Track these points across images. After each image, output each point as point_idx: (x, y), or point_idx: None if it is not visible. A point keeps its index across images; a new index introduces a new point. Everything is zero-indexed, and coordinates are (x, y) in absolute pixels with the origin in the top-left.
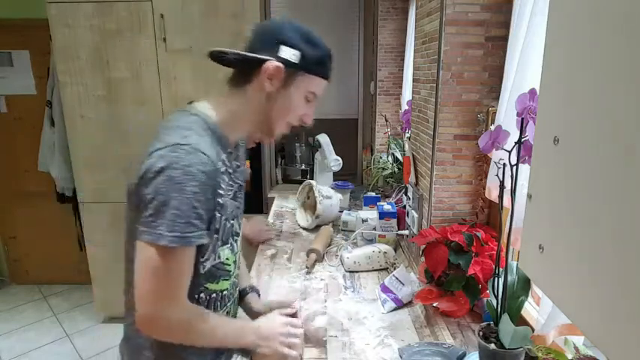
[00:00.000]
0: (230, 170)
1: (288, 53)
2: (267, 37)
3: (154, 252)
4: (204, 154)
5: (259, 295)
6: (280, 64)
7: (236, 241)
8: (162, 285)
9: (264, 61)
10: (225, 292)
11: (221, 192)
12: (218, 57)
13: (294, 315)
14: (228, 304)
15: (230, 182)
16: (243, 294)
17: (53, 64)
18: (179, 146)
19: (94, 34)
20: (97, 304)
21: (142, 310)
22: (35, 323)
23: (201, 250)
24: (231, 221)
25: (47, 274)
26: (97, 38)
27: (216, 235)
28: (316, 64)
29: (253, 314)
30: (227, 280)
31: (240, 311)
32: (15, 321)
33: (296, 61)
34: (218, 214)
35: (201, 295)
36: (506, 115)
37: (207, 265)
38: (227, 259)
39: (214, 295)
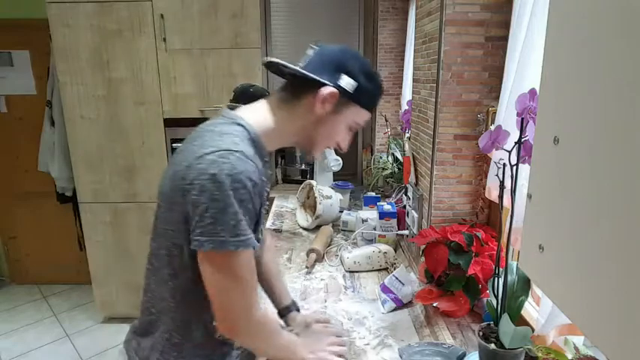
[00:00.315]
0: (265, 179)
1: (347, 83)
2: (331, 63)
3: (221, 259)
4: (253, 163)
5: (298, 311)
6: (336, 91)
7: (262, 241)
8: (239, 289)
9: (323, 84)
10: None
11: (261, 200)
12: (273, 66)
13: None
14: None
15: (264, 192)
16: (285, 312)
17: (53, 64)
18: (231, 152)
19: (94, 34)
20: (97, 304)
21: (226, 318)
22: (35, 323)
23: None
24: (260, 228)
25: (47, 274)
26: (97, 38)
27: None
28: (368, 97)
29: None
30: None
31: None
32: (15, 321)
33: (351, 92)
34: (257, 222)
35: None
36: (506, 115)
37: None
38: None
39: None
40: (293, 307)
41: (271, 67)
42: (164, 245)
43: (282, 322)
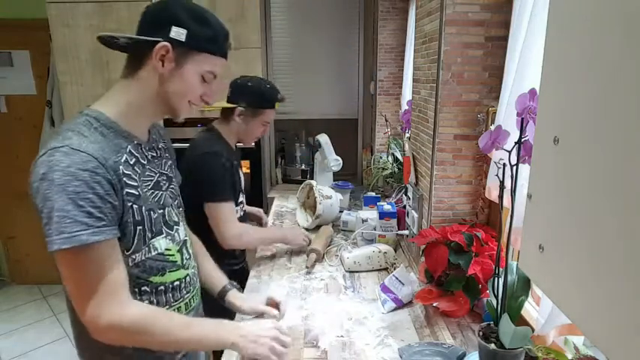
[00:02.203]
0: (143, 161)
1: (177, 33)
2: (156, 19)
3: (60, 260)
4: (85, 153)
5: (240, 290)
6: (167, 44)
7: (176, 230)
8: (89, 290)
9: (155, 43)
10: (177, 283)
11: (131, 182)
12: (109, 42)
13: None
14: (185, 296)
15: (147, 172)
16: (223, 294)
17: (53, 64)
18: (56, 149)
19: (94, 34)
20: None
21: (86, 319)
22: (35, 323)
23: (121, 243)
24: (159, 211)
25: (47, 274)
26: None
27: (140, 227)
28: (207, 42)
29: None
30: (175, 270)
31: None
32: (15, 321)
33: (184, 40)
34: (134, 205)
35: (144, 288)
36: (506, 115)
37: (138, 258)
38: (167, 249)
39: (162, 287)
40: (230, 285)
41: (104, 41)
42: None
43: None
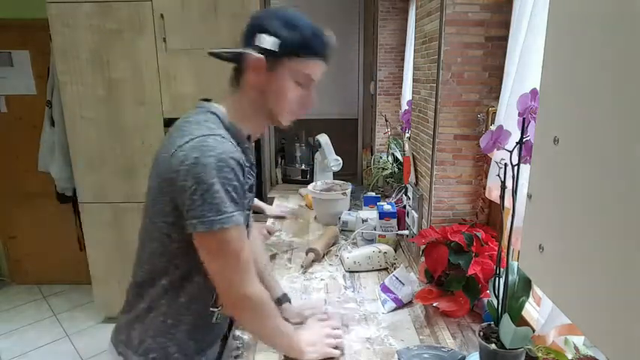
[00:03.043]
0: (247, 164)
1: (267, 42)
2: (249, 30)
3: (213, 238)
4: (231, 143)
5: (290, 302)
6: (259, 55)
7: (248, 233)
8: (234, 264)
9: (246, 55)
10: None
11: (247, 180)
12: (216, 56)
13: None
14: None
15: (248, 175)
16: (277, 305)
17: (53, 64)
18: (209, 136)
19: (94, 34)
20: (97, 304)
21: (229, 293)
22: (35, 323)
23: None
24: (247, 212)
25: (47, 274)
26: (97, 38)
27: None
28: (300, 46)
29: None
30: None
31: None
32: (15, 321)
33: (276, 49)
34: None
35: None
36: (506, 115)
37: None
38: None
39: None
40: (284, 298)
41: (214, 56)
42: (155, 236)
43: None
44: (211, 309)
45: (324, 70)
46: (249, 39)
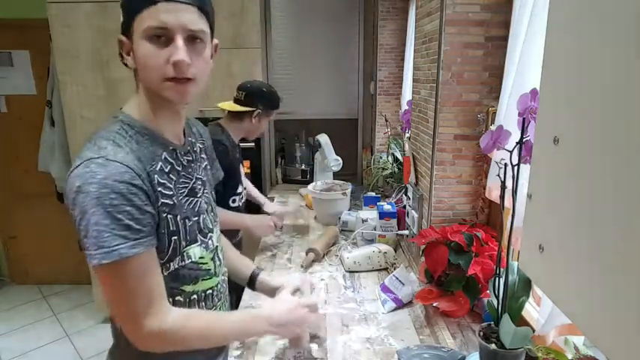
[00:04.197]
0: (178, 167)
1: (122, 14)
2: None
3: (100, 274)
4: (121, 164)
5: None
6: (121, 36)
7: (210, 238)
8: (129, 301)
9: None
10: (209, 292)
11: (166, 192)
12: None
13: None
14: (217, 303)
15: (182, 179)
16: (253, 277)
17: (53, 64)
18: (92, 160)
19: (94, 34)
20: (97, 304)
21: (128, 331)
22: (35, 323)
23: (157, 254)
24: (194, 218)
25: (47, 274)
26: (97, 38)
27: (174, 237)
28: (128, 3)
29: (272, 291)
30: (208, 279)
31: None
32: (15, 321)
33: (125, 20)
34: (169, 215)
35: (178, 298)
36: (506, 115)
37: (171, 267)
38: (201, 257)
39: (194, 296)
40: (258, 271)
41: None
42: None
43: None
44: None
45: (169, 12)
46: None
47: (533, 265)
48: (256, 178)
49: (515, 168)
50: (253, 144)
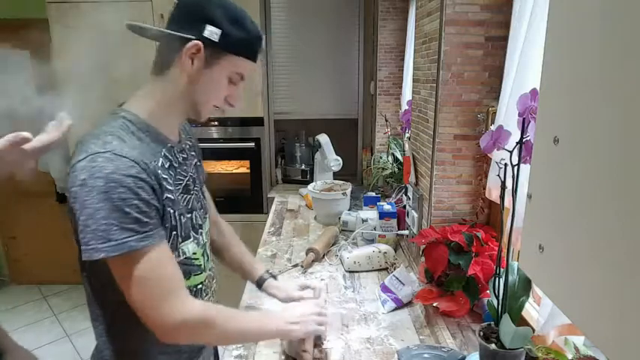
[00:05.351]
0: (175, 164)
1: (211, 32)
2: (191, 15)
3: (114, 269)
4: (128, 158)
5: (276, 278)
6: (200, 43)
7: (201, 234)
8: (144, 292)
9: (187, 40)
10: (199, 287)
11: (168, 187)
12: (135, 29)
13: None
14: (205, 298)
15: (178, 176)
16: (260, 282)
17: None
18: (99, 154)
19: (94, 34)
20: None
21: (151, 322)
22: (35, 323)
23: None
24: (188, 215)
25: (47, 274)
26: (97, 38)
27: (174, 232)
28: (240, 45)
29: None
30: (199, 274)
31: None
32: (15, 321)
33: (217, 41)
34: (171, 210)
35: None
36: (506, 115)
37: None
38: (194, 253)
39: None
40: (267, 274)
41: (133, 29)
42: (79, 259)
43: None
44: None
45: (253, 69)
46: (187, 23)
47: (533, 265)
48: (256, 178)
49: (515, 168)
50: (253, 144)
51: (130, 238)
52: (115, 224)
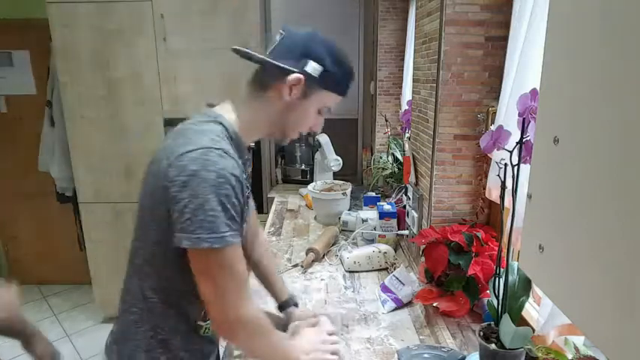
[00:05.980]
0: (245, 175)
1: (313, 68)
2: (297, 48)
3: (203, 257)
4: (234, 159)
5: (297, 305)
6: (302, 77)
7: (245, 239)
8: (226, 286)
9: (289, 72)
10: None
11: (247, 195)
12: (241, 53)
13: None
14: None
15: (244, 188)
16: (284, 306)
17: (53, 64)
18: (211, 150)
19: (94, 34)
20: (97, 304)
21: (222, 316)
22: (35, 323)
23: None
24: (244, 225)
25: (47, 274)
26: (97, 38)
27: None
28: (336, 82)
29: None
30: None
31: None
32: None
33: (317, 76)
34: (245, 215)
35: None
36: (506, 115)
37: None
38: None
39: None
40: (291, 301)
41: (240, 54)
42: (147, 243)
43: (281, 315)
44: (199, 322)
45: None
46: (293, 57)
47: (533, 265)
48: (256, 178)
49: (515, 168)
50: (253, 144)
51: (227, 233)
52: (220, 217)
